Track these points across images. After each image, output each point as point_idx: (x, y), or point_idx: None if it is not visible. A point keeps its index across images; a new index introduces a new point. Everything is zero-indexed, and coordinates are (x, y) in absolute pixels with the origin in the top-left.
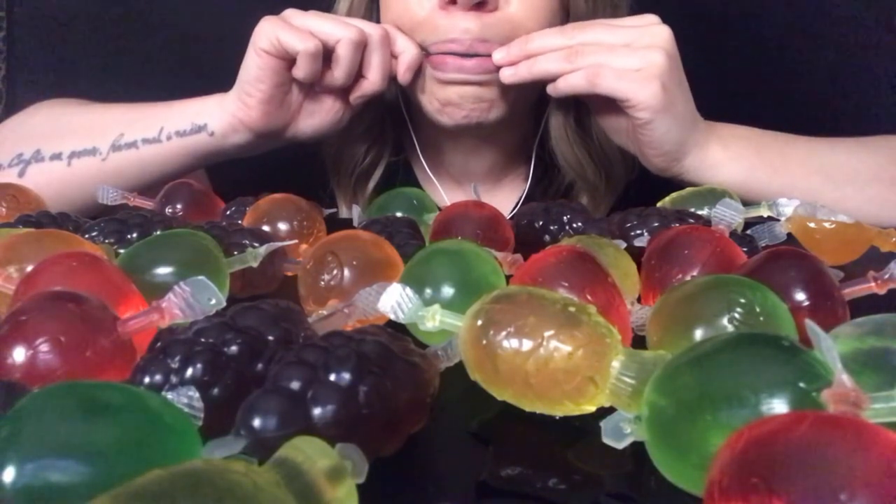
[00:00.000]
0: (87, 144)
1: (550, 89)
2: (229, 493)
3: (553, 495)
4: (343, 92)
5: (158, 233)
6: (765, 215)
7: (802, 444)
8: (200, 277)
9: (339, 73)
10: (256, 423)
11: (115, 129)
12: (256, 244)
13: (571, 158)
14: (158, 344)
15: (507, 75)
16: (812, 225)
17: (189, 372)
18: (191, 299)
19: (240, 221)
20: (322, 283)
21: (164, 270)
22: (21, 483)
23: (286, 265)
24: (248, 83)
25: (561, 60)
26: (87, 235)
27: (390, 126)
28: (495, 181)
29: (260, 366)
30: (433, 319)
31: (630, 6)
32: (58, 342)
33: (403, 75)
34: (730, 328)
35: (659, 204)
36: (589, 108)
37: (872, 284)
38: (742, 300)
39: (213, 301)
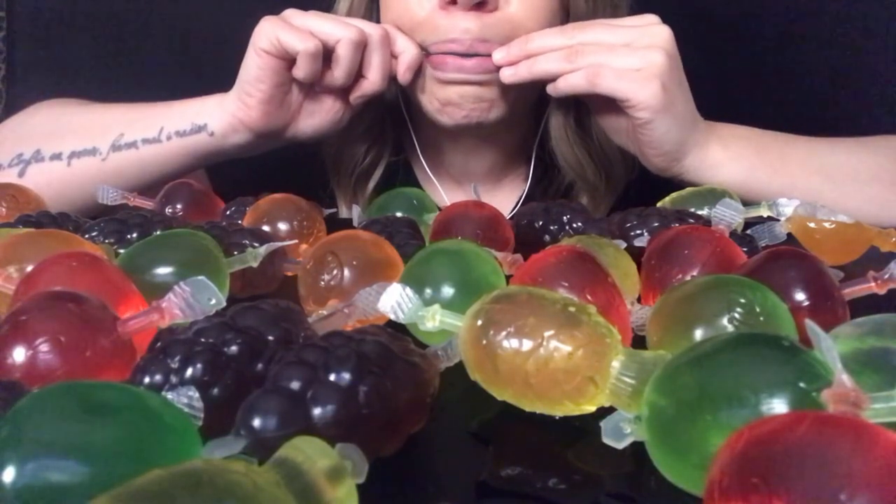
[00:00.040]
0: (86, 144)
1: (550, 89)
2: (229, 493)
3: (553, 495)
4: (343, 92)
5: (158, 233)
6: (765, 215)
7: (802, 444)
8: (200, 277)
9: (339, 73)
10: (256, 423)
11: (115, 129)
12: (256, 244)
13: (571, 158)
14: (158, 344)
15: (507, 75)
16: (812, 225)
17: (189, 372)
18: (191, 299)
19: (240, 221)
20: (322, 283)
21: (164, 270)
22: (21, 483)
23: (286, 265)
24: (248, 83)
25: (561, 60)
26: (87, 235)
27: (390, 126)
28: (495, 181)
29: (260, 366)
30: (433, 319)
31: (630, 6)
32: (58, 342)
33: (403, 75)
34: (730, 328)
35: (659, 204)
36: (589, 108)
37: (872, 284)
38: (742, 300)
39: (213, 301)
